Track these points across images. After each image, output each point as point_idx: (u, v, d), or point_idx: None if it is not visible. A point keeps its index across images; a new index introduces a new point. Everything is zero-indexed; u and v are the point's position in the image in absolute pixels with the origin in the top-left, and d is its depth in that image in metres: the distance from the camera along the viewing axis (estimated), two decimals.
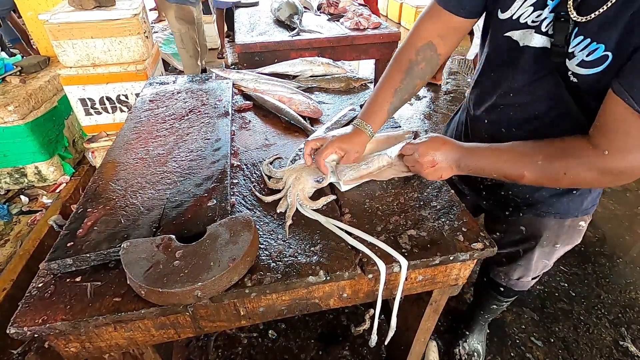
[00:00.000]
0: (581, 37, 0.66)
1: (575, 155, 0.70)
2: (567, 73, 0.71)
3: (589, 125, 0.71)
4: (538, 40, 0.75)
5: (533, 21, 0.74)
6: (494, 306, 1.38)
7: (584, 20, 0.65)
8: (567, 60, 0.70)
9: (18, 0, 2.49)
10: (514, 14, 0.77)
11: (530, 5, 0.73)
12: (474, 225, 0.82)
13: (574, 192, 0.93)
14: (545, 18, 0.72)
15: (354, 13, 2.64)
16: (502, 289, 1.25)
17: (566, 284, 1.90)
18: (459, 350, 1.56)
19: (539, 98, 0.81)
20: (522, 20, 0.76)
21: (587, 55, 0.66)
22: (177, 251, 0.68)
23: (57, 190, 2.28)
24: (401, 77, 0.90)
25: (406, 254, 0.74)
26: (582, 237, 1.05)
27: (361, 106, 1.27)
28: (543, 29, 0.73)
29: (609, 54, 0.63)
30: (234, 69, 1.55)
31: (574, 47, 0.68)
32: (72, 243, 0.73)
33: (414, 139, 0.95)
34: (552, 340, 1.64)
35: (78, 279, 0.70)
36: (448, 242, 0.78)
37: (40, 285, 0.69)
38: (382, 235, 0.79)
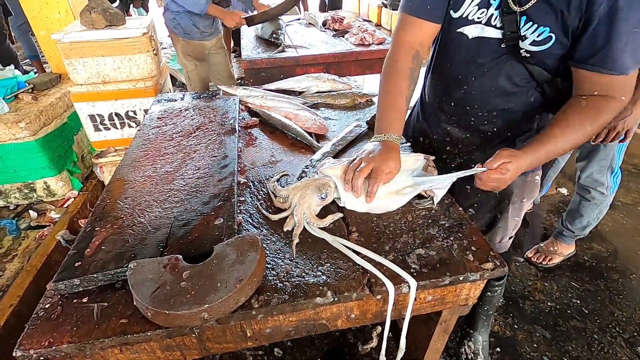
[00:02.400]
0: (530, 23, 0.84)
1: (605, 111, 0.85)
2: (519, 50, 0.88)
3: (538, 89, 0.94)
4: (489, 32, 0.91)
5: (478, 17, 0.91)
6: (489, 293, 1.43)
7: (524, 9, 0.82)
8: (520, 41, 0.87)
9: (31, 19, 2.56)
10: (464, 12, 0.93)
11: (476, 5, 0.90)
12: (484, 244, 0.80)
13: None
14: (493, 14, 0.89)
15: (359, 29, 2.68)
16: None
17: (578, 301, 1.85)
18: (465, 349, 1.58)
19: (494, 77, 0.96)
20: (470, 18, 0.92)
21: (537, 37, 0.84)
22: (184, 272, 0.68)
23: (65, 205, 2.29)
24: (407, 84, 0.99)
25: (415, 274, 0.73)
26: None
27: (367, 122, 1.28)
28: (492, 22, 0.90)
29: (553, 35, 0.82)
30: (240, 84, 1.57)
31: (525, 31, 0.85)
32: (79, 263, 0.73)
33: (427, 165, 0.99)
34: (565, 359, 1.59)
35: (85, 300, 0.70)
36: (457, 261, 0.76)
37: (47, 306, 0.69)
38: (390, 254, 0.78)
